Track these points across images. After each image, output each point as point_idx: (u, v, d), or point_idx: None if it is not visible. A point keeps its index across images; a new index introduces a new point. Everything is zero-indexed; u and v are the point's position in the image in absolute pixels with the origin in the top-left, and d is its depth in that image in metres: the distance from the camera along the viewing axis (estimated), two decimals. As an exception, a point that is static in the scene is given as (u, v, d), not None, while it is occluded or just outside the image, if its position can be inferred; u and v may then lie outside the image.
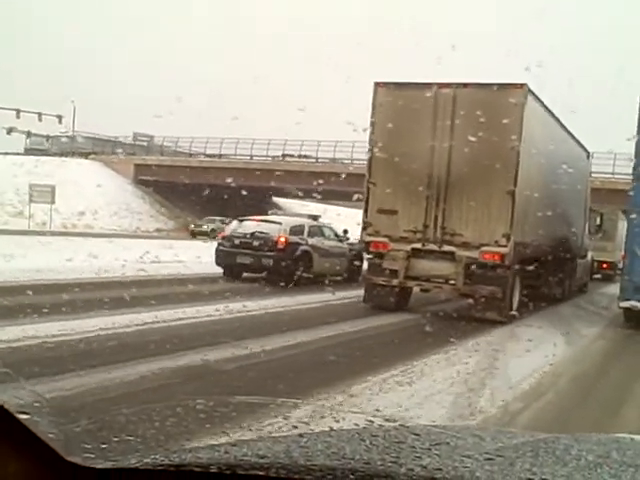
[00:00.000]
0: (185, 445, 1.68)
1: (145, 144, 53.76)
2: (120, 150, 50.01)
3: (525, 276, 13.54)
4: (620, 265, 16.82)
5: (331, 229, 18.27)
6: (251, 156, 47.14)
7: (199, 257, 19.26)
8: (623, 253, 13.92)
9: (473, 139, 11.16)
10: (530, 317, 13.23)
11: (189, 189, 40.67)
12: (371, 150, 12.83)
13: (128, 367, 6.74)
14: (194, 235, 40.75)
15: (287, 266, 15.64)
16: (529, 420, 6.13)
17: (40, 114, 50.68)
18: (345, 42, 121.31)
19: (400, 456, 1.23)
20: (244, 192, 34.25)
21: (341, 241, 18.21)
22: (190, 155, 49.51)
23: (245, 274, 16.48)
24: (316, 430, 1.84)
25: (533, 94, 12.27)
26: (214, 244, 17.62)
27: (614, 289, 14.72)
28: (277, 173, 39.45)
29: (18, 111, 50.10)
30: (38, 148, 51.43)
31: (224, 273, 16.50)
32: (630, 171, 13.71)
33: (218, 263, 16.57)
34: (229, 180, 29.80)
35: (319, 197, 38.48)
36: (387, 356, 8.43)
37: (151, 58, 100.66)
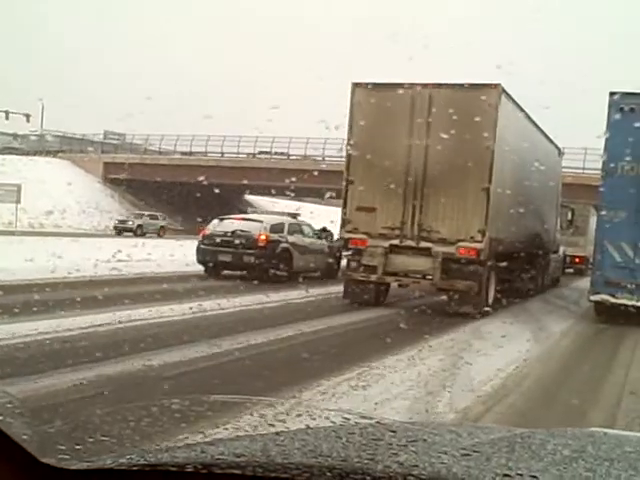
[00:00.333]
0: (161, 445, 1.65)
1: (116, 142, 53.65)
2: (91, 149, 49.89)
3: (499, 271, 14.06)
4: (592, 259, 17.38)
5: (310, 227, 18.75)
6: (222, 153, 47.25)
7: (172, 255, 19.53)
8: (593, 248, 14.31)
9: (449, 138, 11.63)
10: (502, 312, 13.54)
11: (160, 187, 40.68)
12: (349, 149, 13.29)
13: (102, 366, 6.74)
14: (118, 232, 38.33)
15: (268, 263, 16.13)
16: (488, 426, 6.15)
17: (7, 112, 50.35)
18: (318, 41, 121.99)
19: (377, 453, 1.25)
20: (216, 190, 34.38)
21: (320, 238, 18.70)
22: (160, 153, 49.51)
23: (226, 272, 16.85)
24: (293, 428, 1.81)
25: (507, 94, 12.78)
26: (182, 242, 17.92)
27: (586, 283, 14.94)
28: (249, 170, 39.72)
29: (-17, 110, 49.76)
30: (7, 147, 51.14)
31: (205, 271, 16.90)
32: (600, 166, 14.21)
33: (199, 261, 16.99)
34: (201, 178, 29.93)
35: (292, 195, 38.81)
36: (352, 355, 8.37)
37: (122, 56, 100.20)
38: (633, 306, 13.14)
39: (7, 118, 50.34)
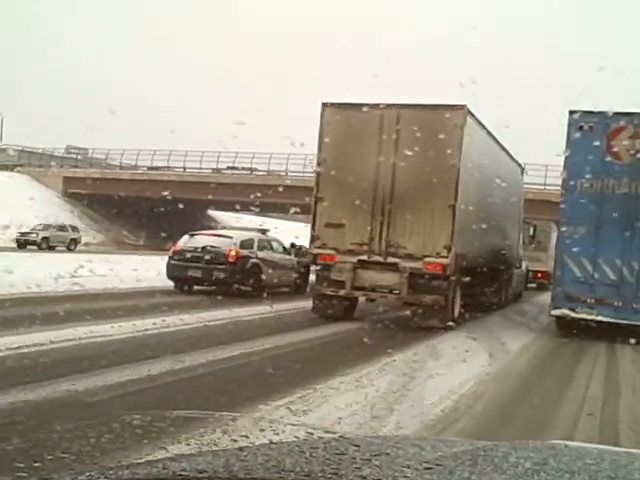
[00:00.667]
0: (122, 461, 1.64)
1: (78, 157, 53.43)
2: (54, 163, 49.63)
3: (464, 286, 14.56)
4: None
5: (279, 242, 19.15)
6: (184, 168, 47.38)
7: (136, 270, 19.70)
8: (554, 263, 14.65)
9: (416, 156, 12.19)
10: (464, 327, 13.82)
11: (122, 202, 40.65)
12: (318, 167, 13.76)
13: (62, 383, 6.67)
14: (20, 245, 35.58)
15: (238, 279, 16.51)
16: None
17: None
18: (283, 58, 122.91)
19: (340, 467, 1.25)
20: (180, 205, 34.52)
21: (289, 253, 19.11)
22: (121, 167, 49.46)
23: (196, 287, 17.19)
24: (256, 443, 1.83)
25: (472, 114, 13.34)
26: (142, 258, 18.01)
27: (547, 298, 15.10)
28: (212, 185, 39.88)
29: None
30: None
31: (175, 286, 17.24)
32: (560, 183, 14.65)
33: (169, 276, 17.30)
34: (164, 193, 30.08)
35: (256, 210, 39.10)
36: (301, 375, 8.11)
37: (86, 70, 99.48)
38: (593, 320, 13.41)
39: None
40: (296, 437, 1.93)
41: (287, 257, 18.86)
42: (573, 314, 13.60)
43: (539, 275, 27.50)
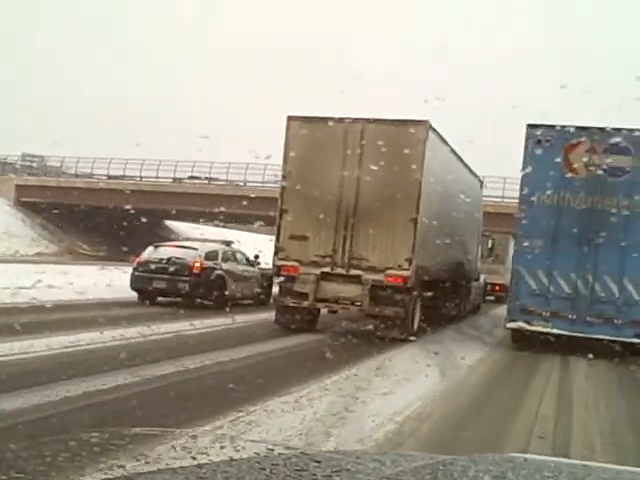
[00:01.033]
0: None
1: (34, 165, 52.81)
2: (12, 174, 49.01)
3: (425, 298, 14.95)
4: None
5: (243, 254, 19.43)
6: (140, 177, 47.17)
7: (95, 283, 19.76)
8: (510, 276, 14.83)
9: (379, 170, 12.63)
10: (421, 340, 14.02)
11: (77, 211, 40.36)
12: (283, 179, 14.12)
13: (17, 398, 6.54)
14: None
15: (202, 290, 16.81)
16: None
17: None
18: (251, 72, 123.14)
19: None
20: (136, 215, 34.39)
21: (252, 265, 19.42)
22: (77, 176, 49.07)
23: (160, 298, 17.34)
24: (216, 460, 1.83)
25: (434, 129, 13.80)
26: (99, 269, 17.95)
27: (505, 310, 15.08)
28: (171, 195, 39.93)
29: None
30: None
31: (139, 298, 17.37)
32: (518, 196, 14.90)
33: (133, 288, 17.43)
34: (121, 203, 30.10)
35: (217, 222, 39.13)
36: (247, 391, 7.77)
37: (46, 77, 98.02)
38: (548, 333, 13.62)
39: None
40: (256, 453, 1.92)
41: (251, 269, 19.14)
42: (528, 327, 13.82)
43: (497, 288, 27.98)
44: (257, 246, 28.22)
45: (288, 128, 13.85)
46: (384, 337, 13.43)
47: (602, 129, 13.89)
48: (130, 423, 5.76)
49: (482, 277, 24.42)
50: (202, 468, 1.46)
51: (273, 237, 14.51)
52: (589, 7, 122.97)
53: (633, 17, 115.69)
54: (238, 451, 2.14)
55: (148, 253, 17.81)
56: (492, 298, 28.46)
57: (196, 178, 45.42)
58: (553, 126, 14.08)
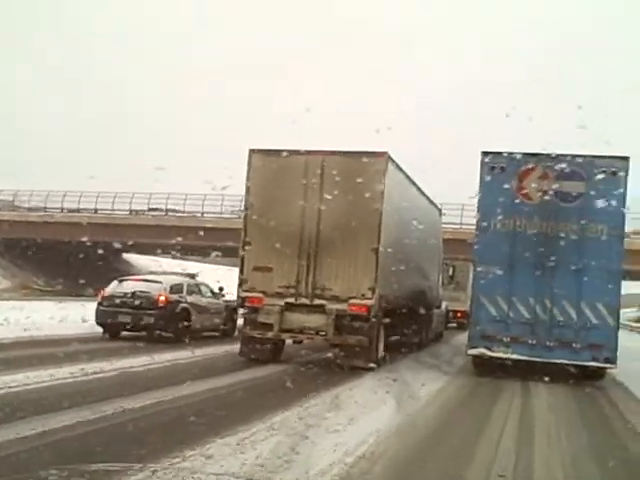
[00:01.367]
0: None
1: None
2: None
3: (387, 326, 15.23)
4: (470, 314, 18.48)
5: (207, 286, 19.69)
6: (95, 210, 47.09)
7: (52, 318, 19.81)
8: (470, 303, 15.06)
9: (340, 201, 13.11)
10: (383, 369, 14.14)
11: (31, 245, 40.05)
12: (246, 211, 14.44)
13: None
14: None
15: (167, 323, 17.02)
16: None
17: None
18: (204, 102, 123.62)
19: None
20: (95, 248, 34.33)
21: (217, 298, 19.65)
22: (29, 210, 48.70)
23: (124, 333, 17.45)
24: None
25: (392, 160, 14.25)
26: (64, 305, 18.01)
27: (466, 337, 15.14)
28: (128, 228, 39.88)
29: None
30: None
31: (104, 332, 17.50)
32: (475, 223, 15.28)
33: (98, 322, 17.56)
34: (79, 237, 30.02)
35: (175, 253, 39.11)
36: (188, 431, 7.50)
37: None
38: (508, 359, 13.91)
39: None
40: None
41: (215, 301, 19.39)
42: (489, 353, 14.01)
43: (459, 315, 28.40)
44: (219, 277, 28.44)
45: (250, 161, 14.16)
46: (344, 366, 13.65)
47: (550, 155, 14.30)
48: (90, 459, 5.52)
49: (444, 304, 24.86)
50: None
51: (234, 267, 14.72)
52: (532, 39, 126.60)
53: (582, 50, 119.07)
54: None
55: (113, 287, 17.97)
56: (454, 325, 28.91)
57: (156, 210, 45.44)
58: (506, 153, 14.40)
